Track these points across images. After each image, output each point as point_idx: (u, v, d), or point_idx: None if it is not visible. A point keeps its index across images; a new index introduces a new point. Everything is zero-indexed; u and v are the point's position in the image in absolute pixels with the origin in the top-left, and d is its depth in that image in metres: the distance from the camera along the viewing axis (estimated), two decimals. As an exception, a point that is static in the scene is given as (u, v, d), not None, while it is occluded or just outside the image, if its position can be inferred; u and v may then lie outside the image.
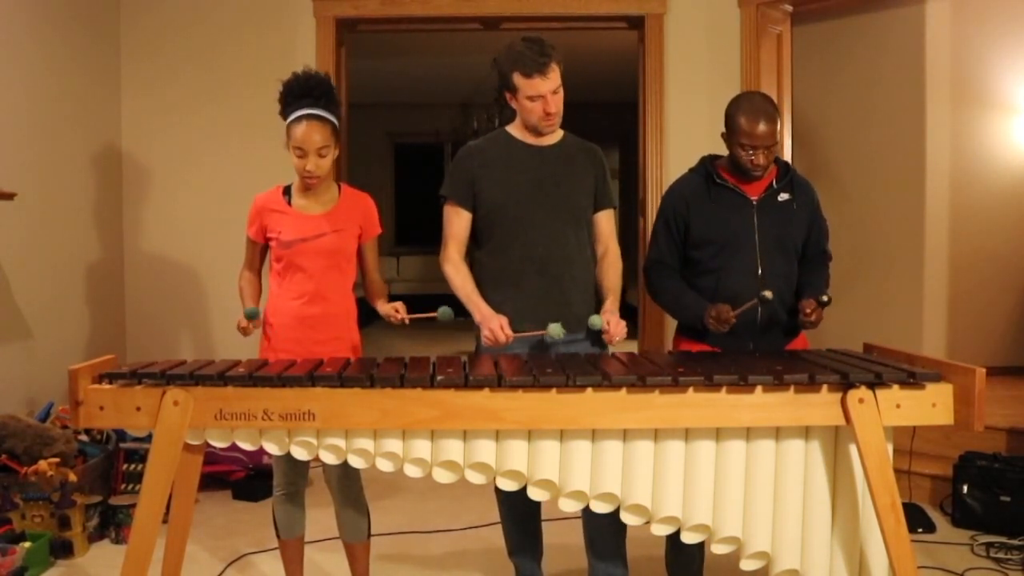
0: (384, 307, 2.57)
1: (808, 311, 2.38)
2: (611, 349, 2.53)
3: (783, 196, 2.52)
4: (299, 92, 2.46)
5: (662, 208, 2.60)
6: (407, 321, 2.50)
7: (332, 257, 2.51)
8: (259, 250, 2.62)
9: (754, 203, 2.49)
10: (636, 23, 4.66)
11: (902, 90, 4.92)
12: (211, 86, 4.58)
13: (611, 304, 2.49)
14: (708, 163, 2.58)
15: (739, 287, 2.45)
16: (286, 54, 4.46)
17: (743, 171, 2.46)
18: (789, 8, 4.61)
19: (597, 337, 2.51)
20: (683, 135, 4.55)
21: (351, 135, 4.98)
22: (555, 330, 2.31)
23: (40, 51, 3.88)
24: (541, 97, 2.42)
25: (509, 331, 2.37)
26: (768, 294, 2.32)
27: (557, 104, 2.46)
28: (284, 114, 2.48)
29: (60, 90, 4.04)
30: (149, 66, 4.59)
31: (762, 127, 2.37)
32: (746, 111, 2.39)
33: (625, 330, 2.41)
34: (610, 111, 9.13)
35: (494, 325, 2.37)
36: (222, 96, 4.57)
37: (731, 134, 2.44)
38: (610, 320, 2.40)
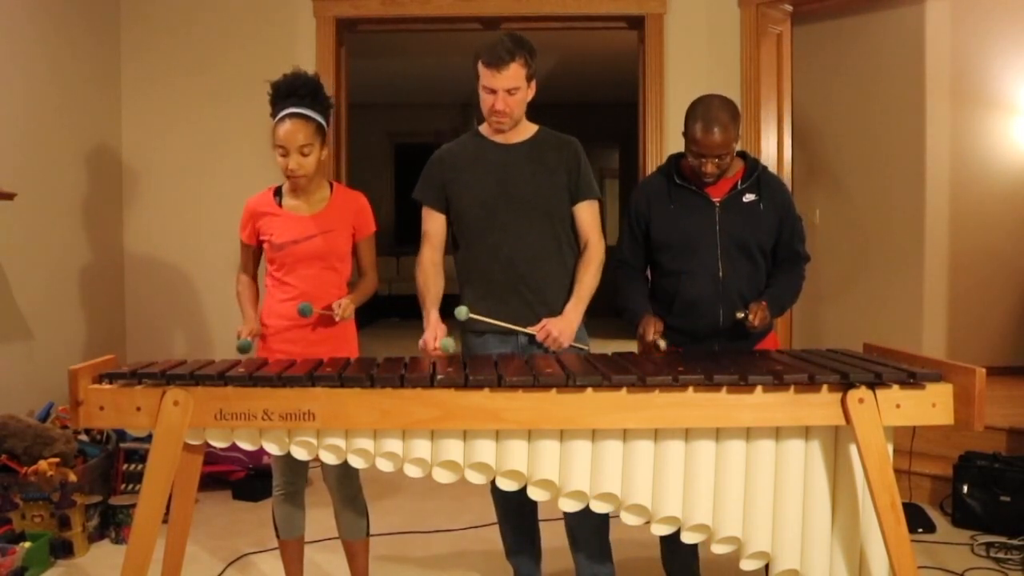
0: (343, 300, 2.47)
1: (752, 313, 2.32)
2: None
3: (748, 197, 2.44)
4: (285, 92, 2.47)
5: (627, 207, 2.56)
6: (338, 319, 2.45)
7: (324, 258, 2.51)
8: (253, 253, 2.63)
9: (716, 204, 2.42)
10: (636, 23, 4.65)
11: (902, 90, 4.92)
12: (211, 86, 4.58)
13: (570, 307, 2.46)
14: (673, 162, 2.52)
15: (699, 290, 2.41)
16: (286, 54, 4.46)
17: (695, 176, 2.42)
18: (789, 8, 4.61)
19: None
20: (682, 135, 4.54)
21: (351, 135, 4.98)
22: (460, 312, 2.41)
23: (40, 51, 3.88)
24: (494, 92, 2.42)
25: (433, 346, 2.41)
26: (740, 315, 2.32)
27: (509, 105, 2.43)
28: (273, 115, 2.49)
29: (60, 90, 4.04)
30: (149, 66, 4.59)
31: (713, 137, 2.30)
32: (700, 118, 2.33)
33: (566, 339, 2.40)
34: (610, 111, 9.14)
35: (428, 335, 2.43)
36: (222, 96, 4.57)
37: (685, 139, 2.39)
38: (547, 324, 2.40)
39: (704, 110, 2.34)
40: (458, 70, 8.60)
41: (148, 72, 4.59)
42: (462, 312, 2.41)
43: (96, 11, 4.39)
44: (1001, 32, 4.93)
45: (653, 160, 4.58)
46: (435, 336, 2.41)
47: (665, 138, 4.57)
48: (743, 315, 2.32)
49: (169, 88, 4.59)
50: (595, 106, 9.47)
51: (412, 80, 9.31)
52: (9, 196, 3.48)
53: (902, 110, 4.93)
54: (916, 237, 4.91)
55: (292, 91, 2.46)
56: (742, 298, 2.40)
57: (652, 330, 2.36)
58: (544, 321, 2.42)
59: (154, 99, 4.59)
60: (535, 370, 1.99)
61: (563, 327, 2.42)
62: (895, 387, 1.94)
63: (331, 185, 2.62)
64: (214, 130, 4.59)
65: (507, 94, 2.41)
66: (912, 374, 1.94)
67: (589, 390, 1.93)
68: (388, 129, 11.09)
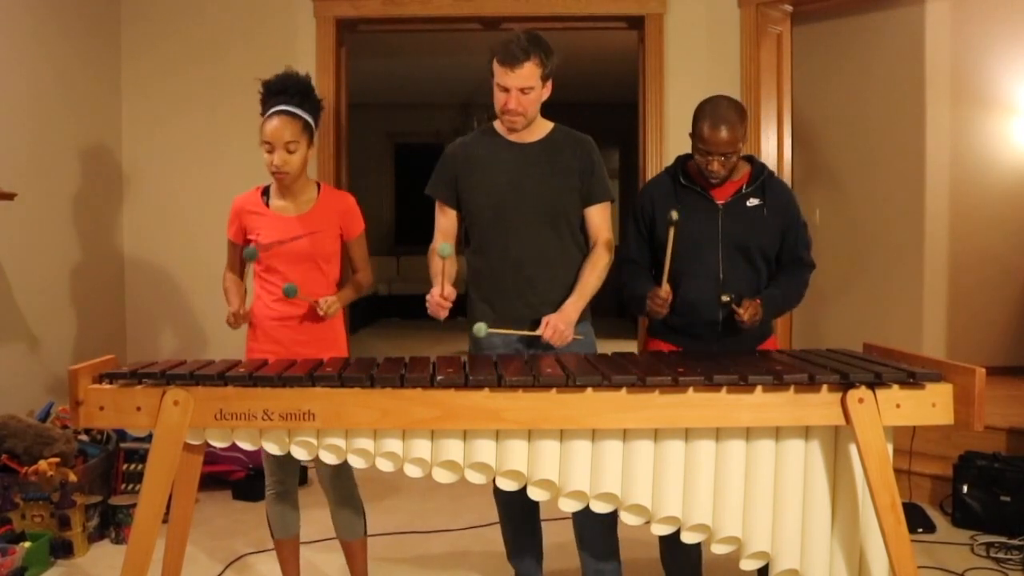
0: (329, 297, 2.48)
1: (744, 308, 2.32)
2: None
3: (753, 201, 2.44)
4: (276, 90, 2.48)
5: (633, 206, 2.57)
6: (321, 313, 2.44)
7: (309, 259, 2.51)
8: (239, 252, 2.61)
9: (720, 207, 2.43)
10: (636, 23, 4.66)
11: (902, 90, 4.92)
12: (211, 86, 4.58)
13: (570, 302, 2.41)
14: (680, 164, 2.53)
15: (699, 292, 2.42)
16: (286, 54, 4.45)
17: (701, 176, 2.43)
18: (789, 8, 4.61)
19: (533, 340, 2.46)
20: (683, 135, 4.45)
21: (351, 135, 4.98)
22: (479, 329, 2.29)
23: (41, 51, 3.88)
24: (507, 90, 2.40)
25: (440, 300, 2.33)
26: (726, 297, 2.32)
27: (521, 104, 2.40)
28: (263, 113, 2.49)
29: (60, 90, 4.04)
30: (149, 66, 4.59)
31: (720, 135, 2.31)
32: (708, 116, 2.34)
33: (566, 337, 2.34)
34: (610, 111, 9.12)
35: (434, 292, 2.35)
36: (222, 96, 4.57)
37: (693, 137, 2.40)
38: (549, 321, 2.33)
39: (712, 109, 2.36)
40: (458, 70, 8.61)
41: (148, 72, 4.59)
42: (480, 329, 2.29)
43: (96, 10, 4.39)
44: (1001, 32, 4.93)
45: (653, 160, 4.58)
46: (441, 289, 2.33)
47: (665, 138, 4.57)
48: (728, 299, 2.33)
49: (169, 88, 4.59)
50: (595, 106, 9.44)
51: (412, 80, 9.30)
52: (9, 196, 3.48)
53: (902, 110, 4.93)
54: (916, 237, 4.91)
55: (283, 89, 2.47)
56: (740, 300, 2.38)
57: (663, 291, 2.35)
58: (546, 319, 2.36)
59: (154, 99, 4.59)
60: (535, 370, 1.99)
61: (565, 321, 2.37)
62: (895, 387, 1.94)
63: (318, 186, 2.61)
64: (214, 130, 4.59)
65: (520, 93, 2.39)
66: (912, 374, 1.94)
67: (589, 390, 1.93)
68: (388, 129, 11.09)
